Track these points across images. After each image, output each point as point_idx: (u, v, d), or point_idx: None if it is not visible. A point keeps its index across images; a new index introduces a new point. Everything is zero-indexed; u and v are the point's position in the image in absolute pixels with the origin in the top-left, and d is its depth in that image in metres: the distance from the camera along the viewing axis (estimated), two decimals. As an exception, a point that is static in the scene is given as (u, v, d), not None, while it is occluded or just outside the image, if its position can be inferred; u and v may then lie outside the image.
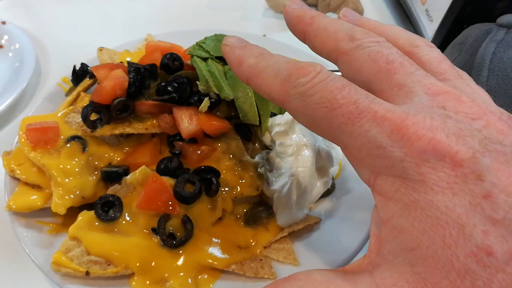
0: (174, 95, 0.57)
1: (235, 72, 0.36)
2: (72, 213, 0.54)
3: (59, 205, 0.53)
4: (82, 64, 0.67)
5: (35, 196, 0.55)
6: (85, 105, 0.55)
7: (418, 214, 0.25)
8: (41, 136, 0.55)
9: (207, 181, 0.53)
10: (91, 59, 0.72)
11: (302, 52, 0.79)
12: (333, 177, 0.61)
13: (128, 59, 0.66)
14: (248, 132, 0.59)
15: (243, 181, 0.56)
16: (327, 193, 0.60)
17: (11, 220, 0.55)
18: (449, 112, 0.27)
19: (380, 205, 0.28)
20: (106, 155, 0.57)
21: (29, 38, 0.87)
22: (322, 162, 0.59)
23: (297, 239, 0.57)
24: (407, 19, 1.02)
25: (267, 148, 0.61)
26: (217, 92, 0.56)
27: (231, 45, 0.36)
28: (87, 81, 0.65)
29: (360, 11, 1.01)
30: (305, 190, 0.58)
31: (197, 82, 0.57)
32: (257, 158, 0.58)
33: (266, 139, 0.61)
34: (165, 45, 0.70)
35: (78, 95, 0.64)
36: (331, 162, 0.60)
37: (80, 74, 0.66)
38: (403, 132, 0.26)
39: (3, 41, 0.87)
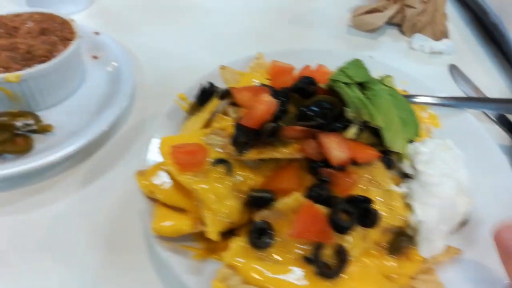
0: (321, 121, 0.56)
1: None
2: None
3: (213, 231, 0.52)
4: (210, 83, 0.66)
5: (182, 220, 0.54)
6: (236, 129, 0.54)
7: None
8: (190, 159, 0.54)
9: (361, 211, 0.52)
10: (204, 76, 0.71)
11: (407, 75, 0.79)
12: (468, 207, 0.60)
13: (256, 81, 0.65)
14: (390, 160, 0.58)
15: (392, 210, 0.55)
16: (463, 223, 0.59)
17: (154, 243, 0.54)
18: None
19: None
20: (249, 179, 0.56)
21: (124, 50, 0.87)
22: (461, 192, 0.58)
23: (440, 270, 0.56)
24: (492, 42, 1.02)
25: (406, 175, 0.60)
26: (368, 120, 0.55)
27: None
28: (217, 102, 0.64)
29: (445, 33, 1.00)
30: (447, 220, 0.57)
31: (345, 108, 0.56)
32: (402, 188, 0.57)
33: (405, 166, 0.60)
34: (284, 66, 0.69)
35: (211, 116, 0.63)
36: (467, 192, 0.59)
37: (208, 93, 0.65)
38: None
39: (99, 53, 0.86)
